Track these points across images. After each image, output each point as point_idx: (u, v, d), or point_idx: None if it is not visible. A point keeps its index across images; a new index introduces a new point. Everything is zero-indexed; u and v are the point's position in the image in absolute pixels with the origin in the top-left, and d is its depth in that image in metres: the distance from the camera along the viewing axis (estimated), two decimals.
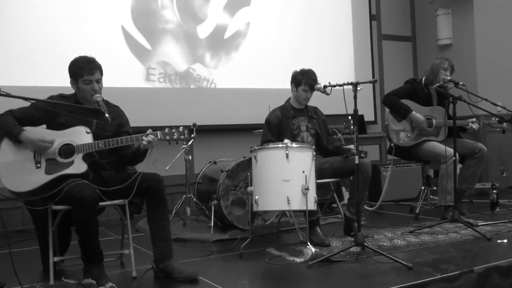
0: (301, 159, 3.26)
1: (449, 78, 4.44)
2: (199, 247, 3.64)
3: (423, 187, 4.83)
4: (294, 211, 3.71)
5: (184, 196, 4.67)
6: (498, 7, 6.30)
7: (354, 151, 3.41)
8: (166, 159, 4.53)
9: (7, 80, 4.55)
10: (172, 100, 5.52)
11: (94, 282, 2.67)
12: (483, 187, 5.58)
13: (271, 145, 3.33)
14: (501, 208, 4.68)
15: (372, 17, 6.98)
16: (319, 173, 3.58)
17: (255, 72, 5.94)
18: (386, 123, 4.64)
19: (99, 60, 3.01)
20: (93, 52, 3.07)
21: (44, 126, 2.99)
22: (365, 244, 3.13)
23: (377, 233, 3.83)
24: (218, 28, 5.82)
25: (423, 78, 4.64)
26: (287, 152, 3.21)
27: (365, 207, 4.89)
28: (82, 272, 2.79)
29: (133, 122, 3.25)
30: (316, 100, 3.99)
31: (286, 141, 3.44)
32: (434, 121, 4.52)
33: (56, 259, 2.89)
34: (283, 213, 4.09)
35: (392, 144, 4.56)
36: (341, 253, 3.15)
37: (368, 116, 6.60)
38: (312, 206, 3.25)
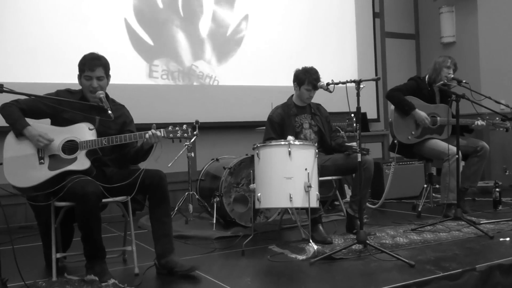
0: (304, 157, 3.26)
1: (452, 76, 4.44)
2: (201, 244, 3.65)
3: (425, 185, 4.81)
4: (296, 208, 3.71)
5: (186, 193, 4.68)
6: (502, 5, 6.27)
7: (356, 148, 3.40)
8: (168, 156, 4.53)
9: (9, 76, 4.52)
10: (174, 97, 5.52)
11: (97, 279, 2.68)
12: (486, 185, 5.58)
13: (273, 143, 3.33)
14: (503, 206, 4.68)
15: (375, 15, 6.96)
16: (322, 171, 3.58)
17: (258, 70, 5.93)
18: (390, 120, 4.63)
19: None
20: (96, 49, 3.08)
21: (48, 120, 3.00)
22: (367, 241, 3.13)
23: (379, 230, 3.83)
24: (221, 25, 5.81)
25: (427, 76, 4.64)
26: (289, 149, 3.21)
27: (368, 204, 4.89)
28: (84, 268, 2.80)
29: (136, 119, 3.25)
30: (318, 97, 3.98)
31: (289, 138, 3.43)
32: (438, 119, 4.52)
33: (58, 255, 2.89)
34: (285, 210, 4.09)
35: (395, 141, 4.55)
36: (343, 250, 3.15)
37: (371, 113, 6.59)
38: (314, 203, 3.25)
